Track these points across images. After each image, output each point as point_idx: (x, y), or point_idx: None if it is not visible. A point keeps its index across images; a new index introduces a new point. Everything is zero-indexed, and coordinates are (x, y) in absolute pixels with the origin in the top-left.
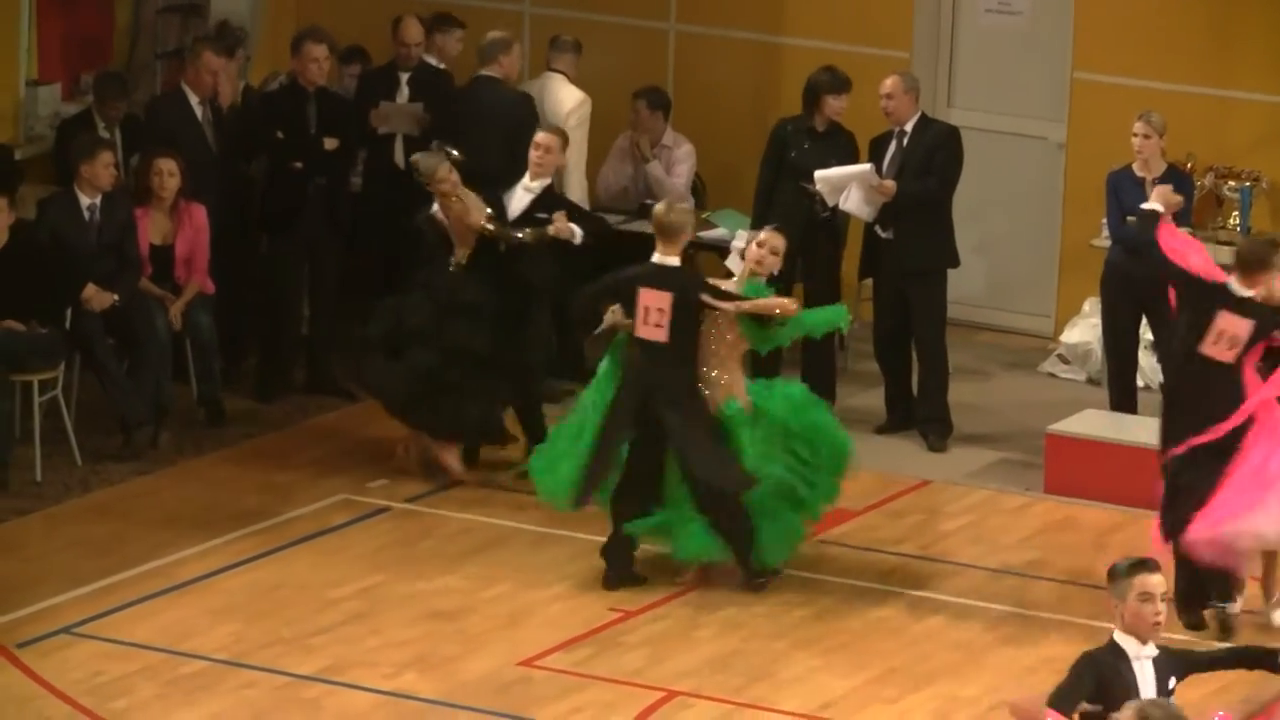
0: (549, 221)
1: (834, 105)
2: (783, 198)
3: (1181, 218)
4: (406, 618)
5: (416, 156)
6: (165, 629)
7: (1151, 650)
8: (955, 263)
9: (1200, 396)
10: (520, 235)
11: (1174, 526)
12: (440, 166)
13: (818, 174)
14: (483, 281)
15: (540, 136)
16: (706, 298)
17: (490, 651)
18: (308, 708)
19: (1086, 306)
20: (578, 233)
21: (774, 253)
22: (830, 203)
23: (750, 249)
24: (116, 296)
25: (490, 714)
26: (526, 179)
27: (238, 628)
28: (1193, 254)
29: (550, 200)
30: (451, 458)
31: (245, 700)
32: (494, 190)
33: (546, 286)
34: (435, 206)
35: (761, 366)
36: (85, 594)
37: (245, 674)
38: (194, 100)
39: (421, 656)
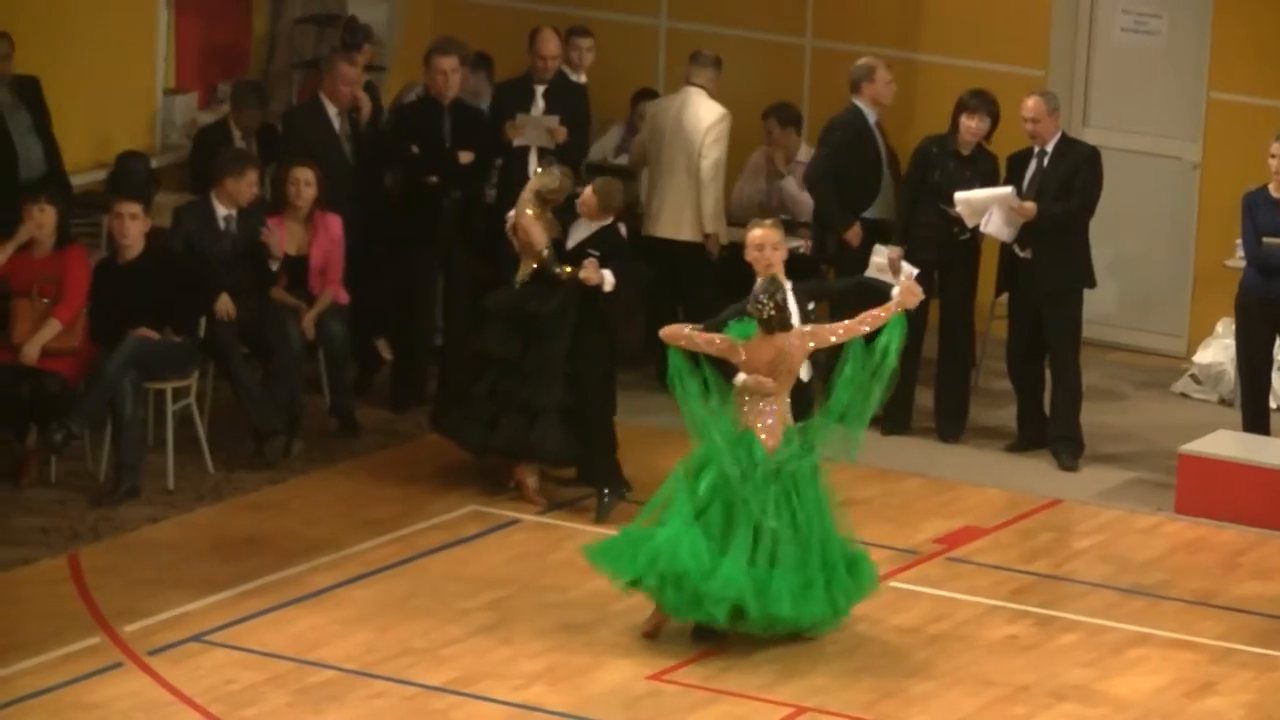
0: (585, 258)
1: (967, 125)
2: (923, 216)
3: None
4: (537, 629)
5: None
6: (296, 638)
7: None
8: (1092, 283)
9: None
10: (558, 270)
11: None
12: (559, 180)
13: (958, 196)
14: (544, 297)
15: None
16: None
17: (620, 665)
18: (436, 719)
19: (1219, 327)
20: (608, 280)
21: (758, 247)
22: (970, 224)
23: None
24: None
25: None
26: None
27: (368, 637)
28: None
29: (606, 239)
30: (529, 477)
31: (374, 710)
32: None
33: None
34: (510, 214)
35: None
36: (217, 602)
37: (375, 684)
38: (331, 111)
39: (551, 669)
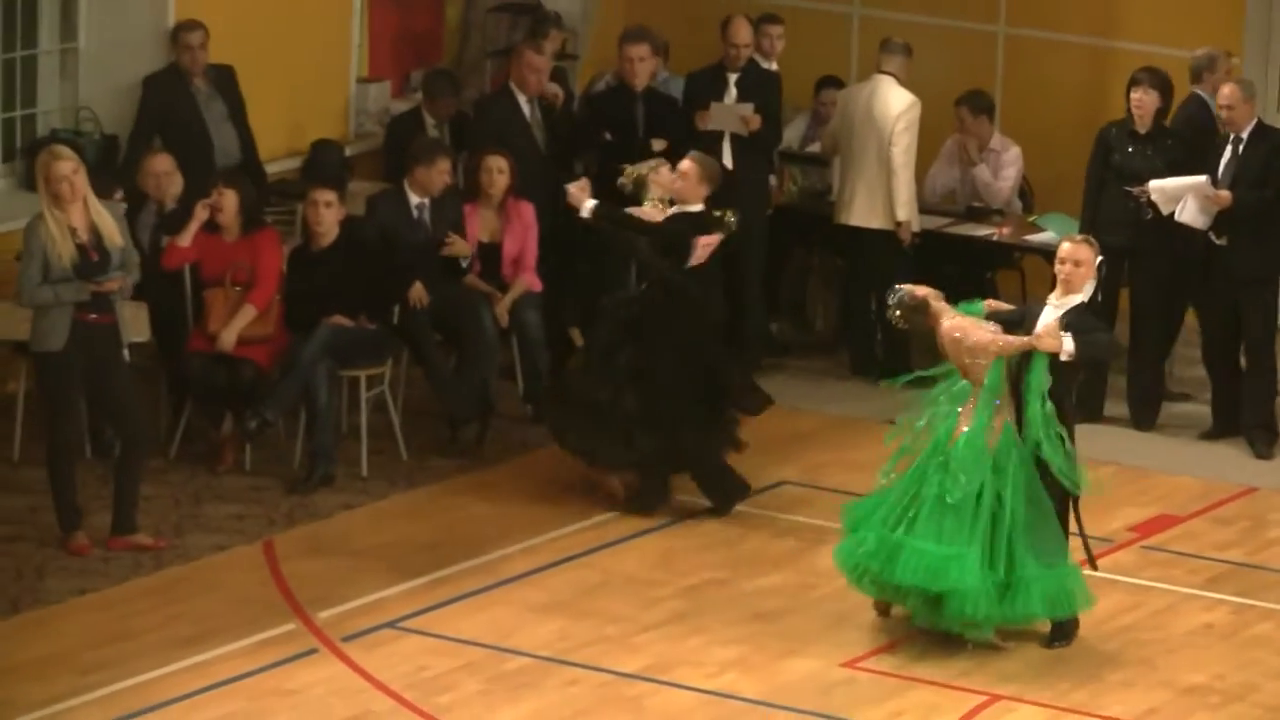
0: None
1: (1133, 98)
2: (1109, 201)
3: None
4: (730, 617)
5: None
6: (490, 625)
7: None
8: None
9: None
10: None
11: None
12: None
13: (1152, 185)
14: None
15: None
16: None
17: (813, 652)
18: (630, 706)
19: None
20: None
21: (1061, 261)
22: (1165, 212)
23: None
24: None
25: (812, 715)
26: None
27: (562, 625)
28: None
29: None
30: (613, 480)
31: (568, 698)
32: None
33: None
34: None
35: None
36: (411, 589)
37: (568, 671)
38: (522, 99)
39: (744, 656)
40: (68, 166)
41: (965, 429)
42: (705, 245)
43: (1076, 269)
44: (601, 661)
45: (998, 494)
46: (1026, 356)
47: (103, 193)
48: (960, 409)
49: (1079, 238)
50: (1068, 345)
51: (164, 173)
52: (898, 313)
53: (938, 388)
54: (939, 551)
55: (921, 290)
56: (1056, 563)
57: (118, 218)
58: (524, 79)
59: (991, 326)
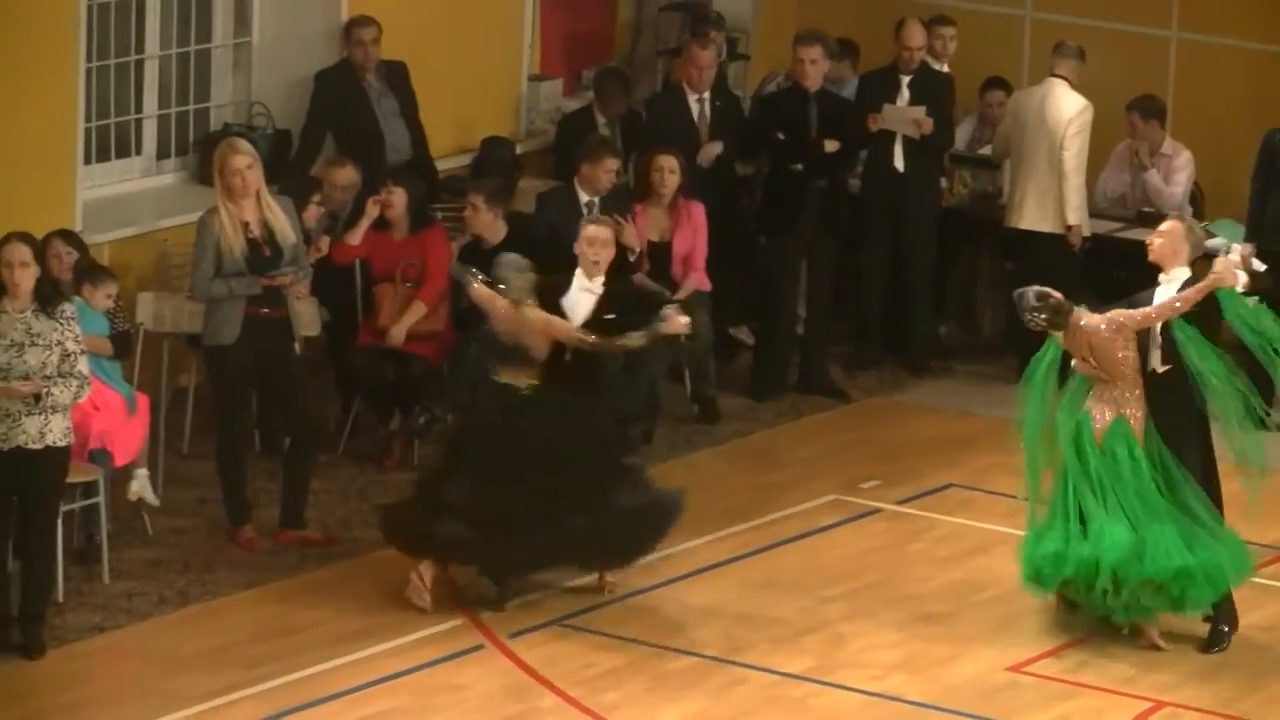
0: (646, 320)
1: None
2: (1275, 206)
3: None
4: (895, 620)
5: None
6: (655, 624)
7: None
8: None
9: None
10: (626, 341)
11: None
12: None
13: None
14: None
15: (593, 231)
16: None
17: (978, 656)
18: (794, 707)
19: None
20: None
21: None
22: None
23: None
24: None
25: (976, 719)
26: (582, 279)
27: (727, 625)
28: None
29: (621, 296)
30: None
31: (732, 698)
32: None
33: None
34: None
35: None
36: (577, 586)
37: (734, 671)
38: (691, 98)
39: (910, 659)
40: (243, 160)
41: (1109, 419)
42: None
43: (1159, 243)
44: (766, 662)
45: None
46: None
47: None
48: (1089, 406)
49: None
50: (1242, 276)
51: (347, 185)
52: (1043, 316)
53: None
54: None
55: (1054, 292)
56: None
57: (290, 214)
58: (690, 75)
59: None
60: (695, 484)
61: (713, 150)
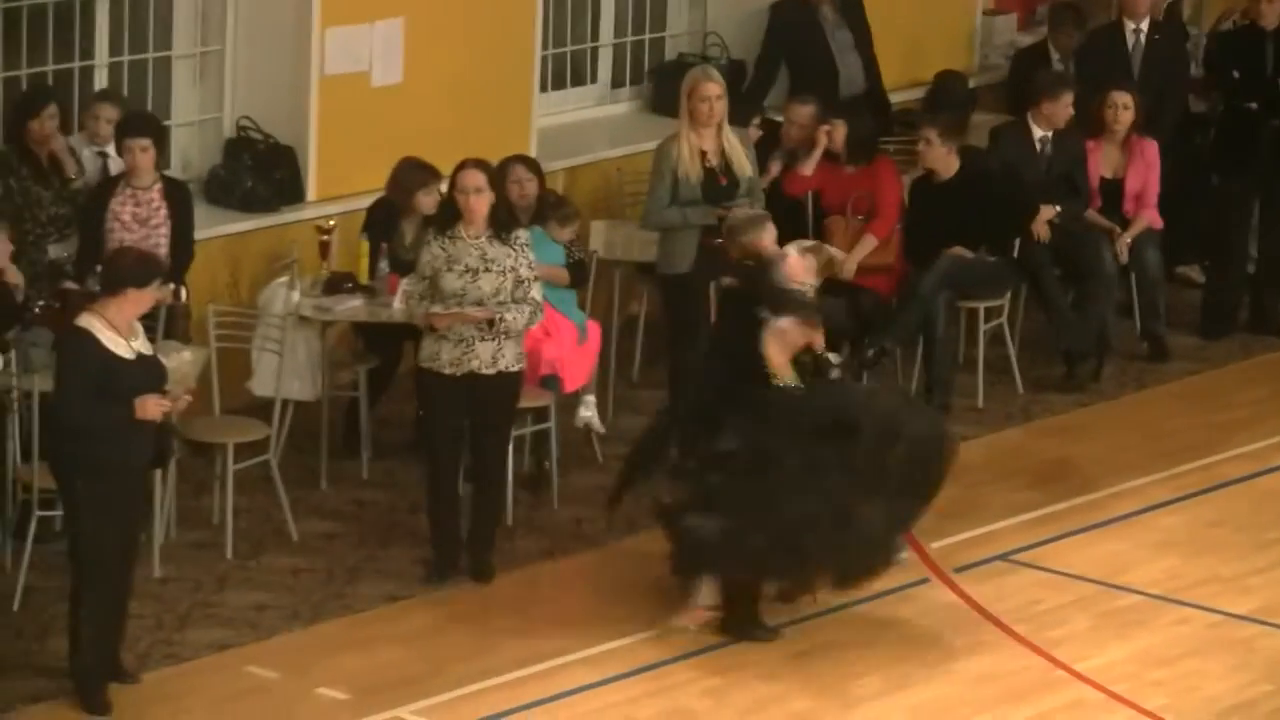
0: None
1: None
2: None
3: None
4: None
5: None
6: (1101, 561)
7: None
8: None
9: None
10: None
11: None
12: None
13: None
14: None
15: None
16: None
17: None
18: (1239, 648)
19: None
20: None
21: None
22: None
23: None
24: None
25: None
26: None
27: (1173, 564)
28: None
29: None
30: None
31: (1177, 637)
32: None
33: None
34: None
35: None
36: (1022, 522)
37: (1178, 610)
38: (1129, 27)
39: None
40: (714, 89)
41: None
42: None
43: None
44: (1213, 602)
45: None
46: None
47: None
48: None
49: None
50: None
51: (807, 124)
52: None
53: None
54: None
55: None
56: None
57: (747, 146)
58: (1129, 4)
59: None
60: (1143, 422)
61: (1048, 214)
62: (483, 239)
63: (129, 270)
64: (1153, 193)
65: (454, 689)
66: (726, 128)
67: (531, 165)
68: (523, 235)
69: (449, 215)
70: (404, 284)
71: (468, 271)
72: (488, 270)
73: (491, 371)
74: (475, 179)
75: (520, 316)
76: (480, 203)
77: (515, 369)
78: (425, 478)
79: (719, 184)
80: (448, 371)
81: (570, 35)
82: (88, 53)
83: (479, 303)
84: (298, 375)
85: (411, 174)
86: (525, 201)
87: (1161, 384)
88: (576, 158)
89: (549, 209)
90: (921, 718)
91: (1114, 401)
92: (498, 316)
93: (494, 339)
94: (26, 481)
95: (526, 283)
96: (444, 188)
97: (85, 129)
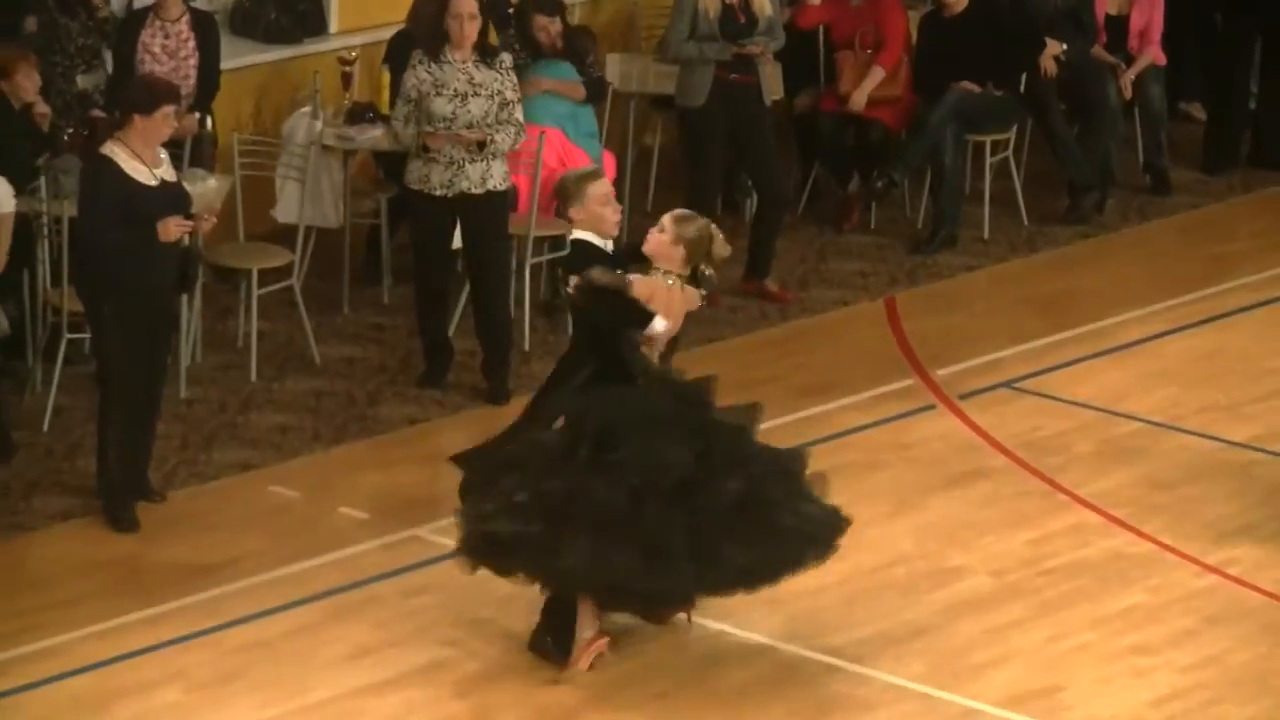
0: None
1: None
2: None
3: None
4: None
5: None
6: (1103, 389)
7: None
8: None
9: None
10: None
11: None
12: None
13: None
14: None
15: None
16: None
17: None
18: (1238, 473)
19: None
20: None
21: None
22: None
23: None
24: None
25: None
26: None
27: (1174, 392)
28: None
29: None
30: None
31: (1177, 463)
32: None
33: None
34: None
35: None
36: (1027, 350)
37: (1178, 437)
38: None
39: None
40: None
41: None
42: None
43: None
44: (1211, 429)
45: None
46: None
47: None
48: None
49: None
50: None
51: None
52: None
53: None
54: None
55: None
56: None
57: None
58: None
59: None
60: (1144, 255)
61: (1054, 50)
62: (469, 63)
63: (132, 97)
64: (1156, 29)
65: None
66: None
67: (548, 8)
68: (506, 59)
69: (436, 38)
70: (392, 114)
71: (456, 96)
72: (476, 94)
73: (480, 191)
74: (469, 5)
75: (507, 138)
76: (473, 29)
77: (503, 188)
78: (414, 294)
79: (737, 21)
80: (438, 193)
81: None
82: None
83: (469, 126)
84: (320, 203)
85: (431, 6)
86: (553, 43)
87: (1163, 217)
88: None
89: (570, 39)
90: (925, 540)
91: (1117, 234)
92: (488, 138)
93: (482, 160)
94: (56, 304)
95: (511, 104)
96: None
97: None
